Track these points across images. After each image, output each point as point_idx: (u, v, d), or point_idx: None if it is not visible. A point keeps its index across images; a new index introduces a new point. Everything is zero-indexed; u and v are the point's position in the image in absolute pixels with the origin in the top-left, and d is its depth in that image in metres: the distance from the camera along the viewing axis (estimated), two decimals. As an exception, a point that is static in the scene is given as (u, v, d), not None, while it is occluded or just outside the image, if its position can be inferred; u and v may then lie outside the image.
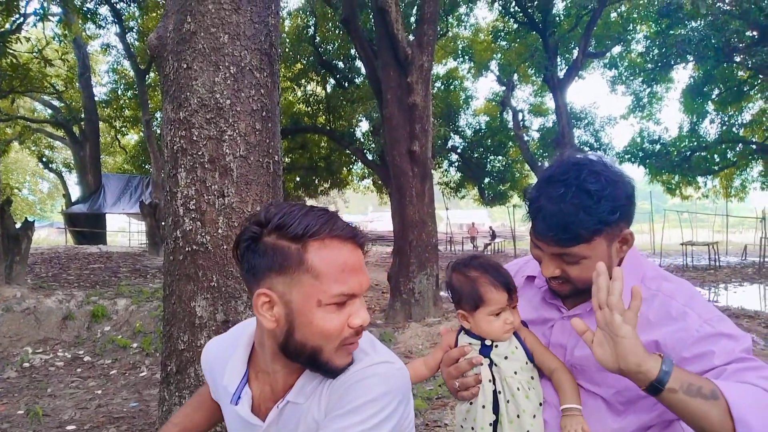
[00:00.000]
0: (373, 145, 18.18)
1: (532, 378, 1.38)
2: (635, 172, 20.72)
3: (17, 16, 9.97)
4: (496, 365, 1.38)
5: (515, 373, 1.36)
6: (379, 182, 21.78)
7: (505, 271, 1.42)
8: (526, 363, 1.37)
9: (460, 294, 1.42)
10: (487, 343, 1.39)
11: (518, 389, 1.35)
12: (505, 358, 1.37)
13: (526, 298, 1.53)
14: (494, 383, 1.38)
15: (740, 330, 1.26)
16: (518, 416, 1.35)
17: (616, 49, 19.71)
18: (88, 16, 13.55)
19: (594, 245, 1.25)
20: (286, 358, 1.11)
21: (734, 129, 20.56)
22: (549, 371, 1.38)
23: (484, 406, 1.37)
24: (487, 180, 24.77)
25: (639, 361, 1.12)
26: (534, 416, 1.35)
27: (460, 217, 49.99)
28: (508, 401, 1.35)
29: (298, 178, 23.68)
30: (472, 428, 1.39)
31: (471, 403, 1.41)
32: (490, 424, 1.36)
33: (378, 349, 1.17)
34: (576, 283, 1.32)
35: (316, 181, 24.18)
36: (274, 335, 1.09)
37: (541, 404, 1.37)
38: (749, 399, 1.11)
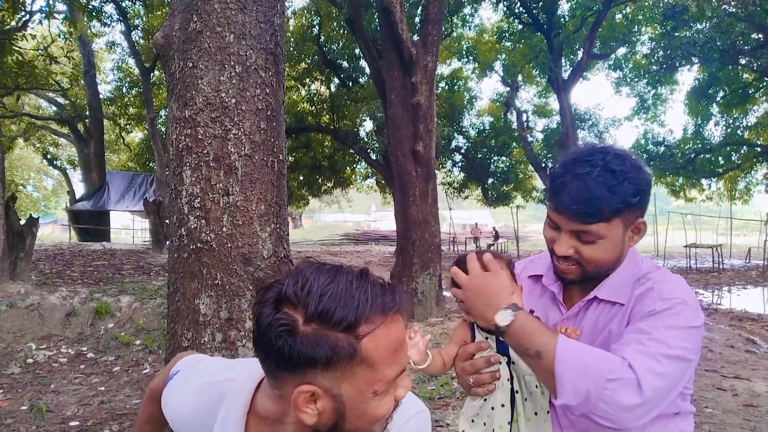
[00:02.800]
0: (376, 145, 18.19)
1: None
2: (639, 174, 20.60)
3: (23, 13, 10.01)
4: (513, 363, 1.37)
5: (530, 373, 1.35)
6: (383, 182, 21.79)
7: (508, 266, 1.41)
8: None
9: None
10: (502, 338, 1.34)
11: (536, 387, 1.35)
12: None
13: (530, 298, 1.54)
14: (512, 381, 1.37)
15: (694, 325, 1.25)
16: (535, 413, 1.35)
17: (621, 51, 19.72)
18: (94, 13, 13.57)
19: (612, 226, 1.28)
20: None
21: (739, 131, 20.54)
22: None
23: (503, 405, 1.37)
24: (490, 180, 24.77)
25: (489, 313, 1.28)
26: (548, 412, 1.36)
27: (464, 217, 49.97)
28: (525, 399, 1.36)
29: (301, 177, 23.72)
30: (484, 423, 1.38)
31: (485, 400, 1.40)
32: (509, 423, 1.36)
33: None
34: (586, 265, 1.34)
35: (320, 180, 24.22)
36: (312, 427, 0.95)
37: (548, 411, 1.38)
38: (577, 357, 1.19)
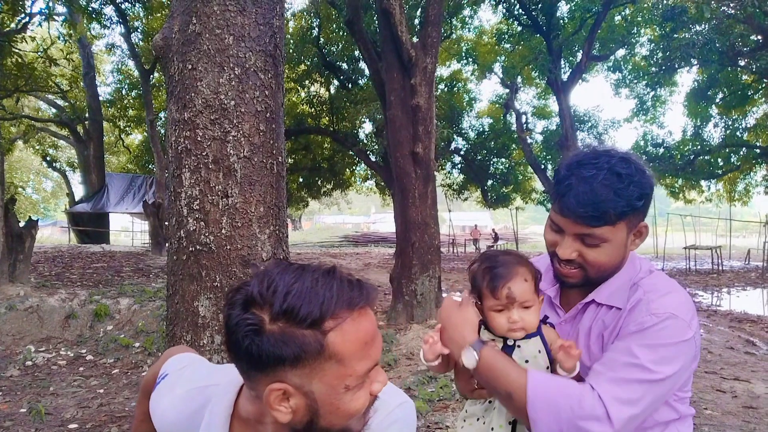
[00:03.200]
0: (376, 147, 18.20)
1: None
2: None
3: (23, 15, 10.01)
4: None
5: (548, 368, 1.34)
6: (382, 183, 21.80)
7: (515, 270, 1.35)
8: (547, 368, 1.34)
9: (471, 282, 1.41)
10: (509, 342, 1.34)
11: None
12: (526, 361, 1.33)
13: None
14: None
15: (683, 339, 1.24)
16: None
17: (620, 53, 19.73)
18: (93, 15, 13.59)
19: (617, 229, 1.28)
20: None
21: (738, 133, 20.57)
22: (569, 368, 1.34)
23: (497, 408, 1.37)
24: (490, 182, 24.78)
25: (456, 352, 1.30)
26: None
27: (463, 219, 49.97)
28: None
29: (301, 179, 23.72)
30: (492, 429, 1.38)
31: (490, 402, 1.39)
32: (509, 423, 1.36)
33: (385, 390, 1.07)
34: (589, 268, 1.33)
35: (319, 182, 24.22)
36: (288, 426, 0.95)
37: None
38: (549, 395, 1.21)
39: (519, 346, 1.34)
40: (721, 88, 19.38)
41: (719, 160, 21.05)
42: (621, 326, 1.31)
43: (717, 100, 20.09)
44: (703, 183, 22.00)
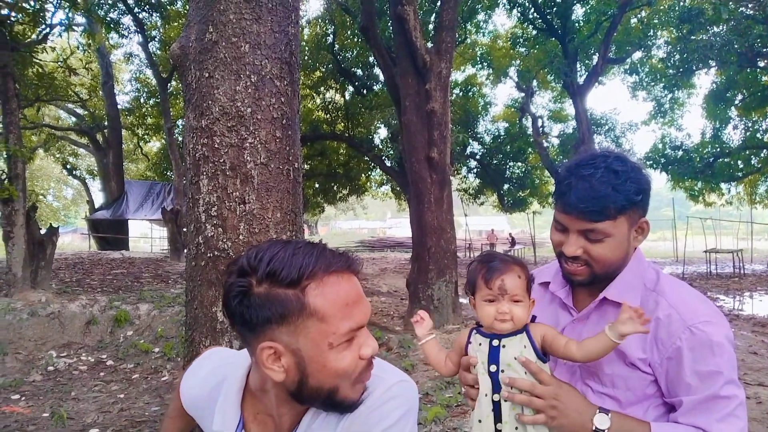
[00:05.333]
0: (391, 152, 18.22)
1: None
2: (657, 179, 20.48)
3: (43, 26, 10.19)
4: (502, 371, 1.36)
5: (525, 374, 1.35)
6: (398, 189, 21.80)
7: (509, 266, 1.41)
8: (535, 361, 1.36)
9: (468, 277, 1.47)
10: (495, 343, 1.38)
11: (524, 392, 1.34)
12: (515, 358, 1.35)
13: (540, 305, 1.57)
14: (496, 392, 1.36)
15: (725, 344, 1.29)
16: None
17: (637, 55, 19.57)
18: (112, 26, 13.81)
19: (618, 224, 1.33)
20: (298, 403, 1.08)
21: (758, 135, 20.23)
22: (561, 346, 1.37)
23: (480, 420, 1.37)
24: (506, 186, 24.66)
25: (582, 419, 1.32)
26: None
27: (480, 223, 49.81)
28: (513, 408, 1.35)
29: (317, 185, 23.81)
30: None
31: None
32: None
33: (386, 369, 1.15)
34: (595, 264, 1.37)
35: (335, 188, 24.28)
36: (283, 386, 1.04)
37: None
38: None
39: (504, 347, 1.38)
40: (740, 89, 19.12)
41: (739, 162, 20.74)
42: (656, 341, 1.34)
43: (736, 102, 19.82)
44: (723, 186, 21.68)
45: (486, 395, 1.37)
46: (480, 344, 1.41)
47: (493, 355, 1.38)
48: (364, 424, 1.06)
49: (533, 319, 1.45)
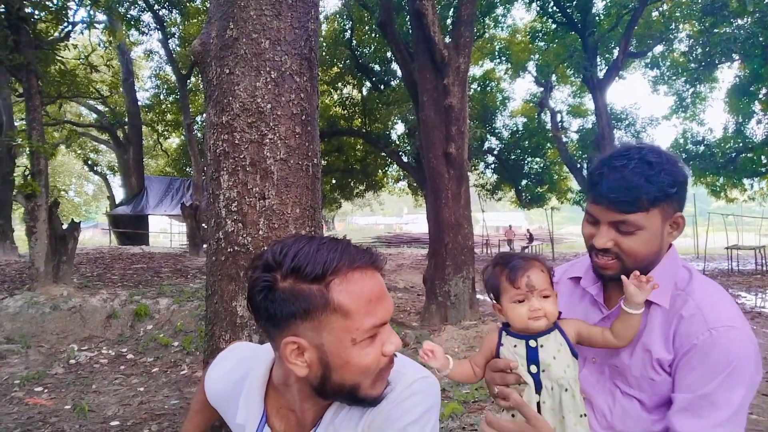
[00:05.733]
0: (408, 148, 18.21)
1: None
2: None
3: (65, 24, 10.32)
4: (544, 370, 1.34)
5: (564, 372, 1.34)
6: (415, 184, 21.79)
7: (531, 262, 1.40)
8: (573, 361, 1.36)
9: (486, 285, 1.45)
10: (532, 344, 1.36)
11: (566, 390, 1.34)
12: (554, 358, 1.34)
13: (571, 300, 1.55)
14: (540, 393, 1.35)
15: (745, 362, 1.24)
16: (563, 418, 1.33)
17: (658, 49, 19.31)
18: (132, 23, 13.91)
19: (651, 216, 1.30)
20: (320, 398, 1.08)
21: (783, 129, 19.86)
22: (599, 336, 1.37)
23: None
24: (524, 182, 24.52)
25: None
26: (582, 415, 1.34)
27: (497, 219, 49.53)
28: (553, 409, 1.34)
29: (334, 181, 23.87)
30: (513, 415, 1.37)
31: (513, 416, 1.38)
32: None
33: (407, 364, 1.15)
34: (626, 258, 1.34)
35: (352, 184, 24.35)
36: (306, 381, 1.05)
37: (584, 414, 1.35)
38: None
39: (542, 346, 1.35)
40: (764, 83, 18.75)
41: (762, 157, 20.35)
42: (675, 340, 1.32)
43: (760, 96, 19.45)
44: (745, 181, 21.32)
45: (528, 398, 1.35)
46: (515, 346, 1.39)
47: (532, 356, 1.36)
48: (386, 419, 1.06)
49: (559, 315, 1.42)
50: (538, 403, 1.34)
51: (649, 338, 1.34)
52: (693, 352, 1.27)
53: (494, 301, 1.44)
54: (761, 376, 1.30)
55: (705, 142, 20.47)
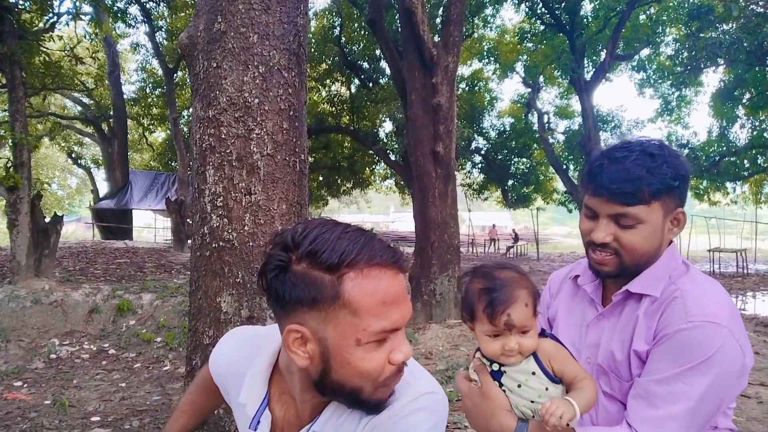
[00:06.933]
0: (396, 146, 18.21)
1: None
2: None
3: (50, 15, 10.18)
4: (511, 392, 1.26)
5: (532, 402, 1.23)
6: (402, 183, 21.79)
7: (515, 294, 1.23)
8: (546, 390, 1.23)
9: (462, 302, 1.32)
10: (495, 367, 1.27)
11: (532, 415, 1.24)
12: (518, 386, 1.24)
13: (571, 300, 1.54)
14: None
15: (717, 360, 1.19)
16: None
17: (645, 52, 19.47)
18: (119, 15, 13.79)
19: (652, 209, 1.26)
20: (320, 394, 1.03)
21: (765, 134, 20.14)
22: (569, 379, 1.24)
23: None
24: (510, 182, 24.63)
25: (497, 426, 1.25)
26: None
27: (483, 219, 49.71)
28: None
29: (321, 178, 23.81)
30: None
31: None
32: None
33: (418, 375, 1.08)
34: (624, 254, 1.30)
35: (339, 181, 24.29)
36: (307, 372, 1.00)
37: None
38: None
39: (505, 372, 1.26)
40: (748, 88, 18.99)
41: (745, 161, 20.66)
42: (657, 327, 1.28)
43: (744, 101, 19.71)
44: (728, 185, 21.62)
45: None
46: (482, 362, 1.32)
47: (496, 377, 1.28)
48: (389, 430, 1.00)
49: (542, 332, 1.32)
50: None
51: (638, 341, 1.31)
52: (665, 340, 1.23)
53: (468, 321, 1.31)
54: (746, 381, 1.26)
55: (689, 145, 20.70)
